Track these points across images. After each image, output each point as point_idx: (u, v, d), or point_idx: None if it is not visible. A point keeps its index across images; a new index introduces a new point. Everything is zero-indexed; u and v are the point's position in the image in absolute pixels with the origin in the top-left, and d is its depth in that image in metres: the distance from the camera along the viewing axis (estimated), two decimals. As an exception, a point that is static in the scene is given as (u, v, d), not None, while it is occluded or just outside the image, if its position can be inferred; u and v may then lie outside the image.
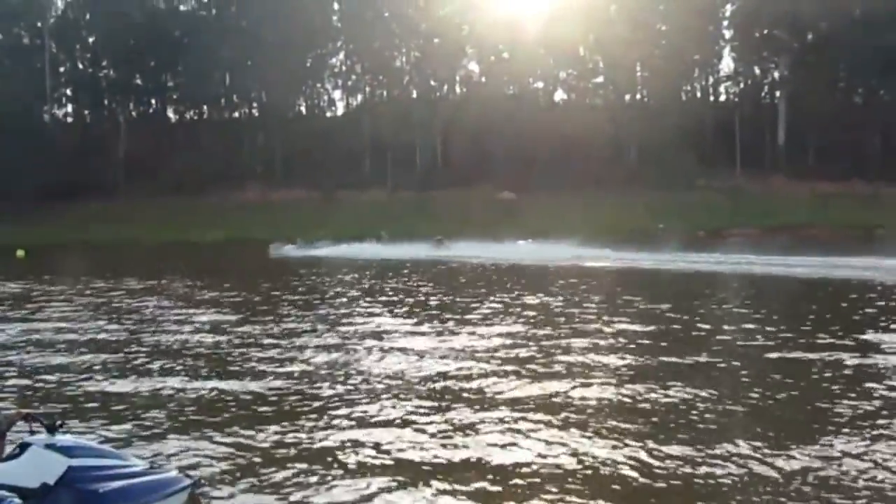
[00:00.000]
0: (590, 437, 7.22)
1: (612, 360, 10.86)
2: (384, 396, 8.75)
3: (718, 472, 6.24)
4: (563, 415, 8.02)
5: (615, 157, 67.84)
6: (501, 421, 7.79)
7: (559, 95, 78.03)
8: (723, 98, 76.55)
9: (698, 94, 76.45)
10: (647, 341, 12.35)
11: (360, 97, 79.32)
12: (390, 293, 21.94)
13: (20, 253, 44.97)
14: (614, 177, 64.38)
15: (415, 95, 75.76)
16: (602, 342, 12.38)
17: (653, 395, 8.65)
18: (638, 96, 75.35)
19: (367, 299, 20.24)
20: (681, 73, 72.05)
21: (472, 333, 13.38)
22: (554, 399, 8.64)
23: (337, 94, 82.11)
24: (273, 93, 75.96)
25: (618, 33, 65.91)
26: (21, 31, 79.63)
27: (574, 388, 9.14)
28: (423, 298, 20.43)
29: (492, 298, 19.46)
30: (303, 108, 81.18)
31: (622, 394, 8.81)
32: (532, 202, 61.80)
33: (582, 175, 63.78)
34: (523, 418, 7.81)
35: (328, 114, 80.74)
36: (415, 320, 15.65)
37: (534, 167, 64.19)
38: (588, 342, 12.34)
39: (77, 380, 10.27)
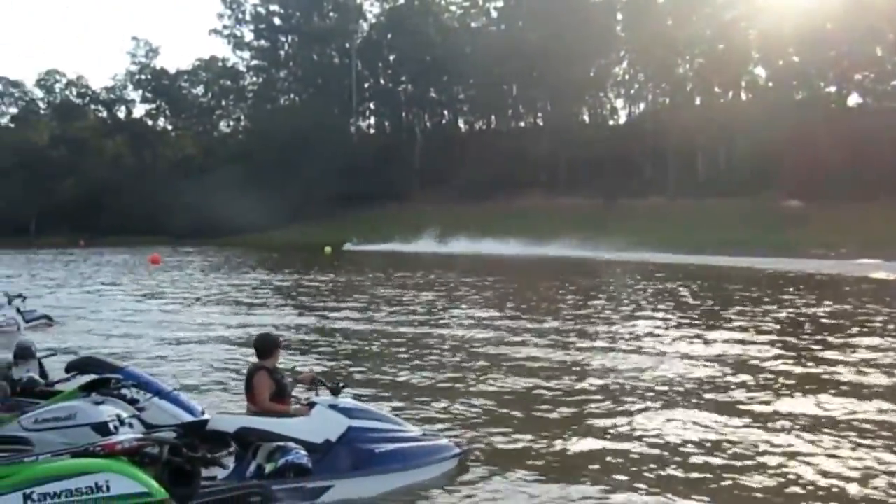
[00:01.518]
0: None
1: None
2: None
3: None
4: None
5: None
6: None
7: (853, 99, 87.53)
8: None
9: None
10: None
11: (642, 105, 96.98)
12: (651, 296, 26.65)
13: (327, 250, 61.23)
14: (914, 184, 69.86)
15: (698, 102, 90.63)
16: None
17: None
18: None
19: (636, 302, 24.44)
20: None
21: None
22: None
23: (619, 103, 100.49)
24: (558, 102, 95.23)
25: (922, 30, 72.22)
26: (332, 52, 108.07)
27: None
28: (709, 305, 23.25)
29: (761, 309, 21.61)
30: (586, 117, 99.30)
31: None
32: (820, 210, 69.27)
33: (875, 182, 70.91)
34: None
35: (610, 122, 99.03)
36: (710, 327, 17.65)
37: (822, 174, 71.94)
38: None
39: (366, 361, 14.24)
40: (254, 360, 8.41)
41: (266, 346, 8.22)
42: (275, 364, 8.16)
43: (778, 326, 18.87)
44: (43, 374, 10.46)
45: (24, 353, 10.58)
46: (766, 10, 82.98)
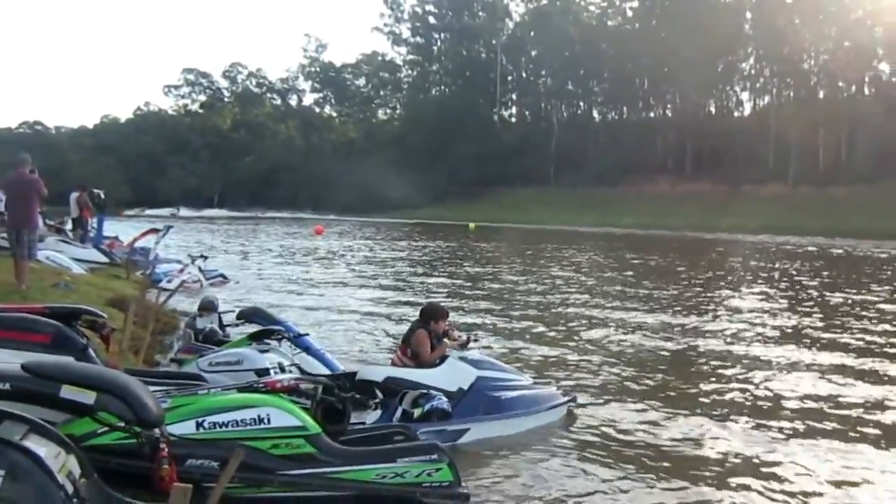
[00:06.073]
0: None
1: None
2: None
3: None
4: None
5: None
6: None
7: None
8: None
9: None
10: None
11: (766, 98, 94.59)
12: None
13: (472, 226, 62.70)
14: None
15: (821, 96, 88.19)
16: None
17: None
18: None
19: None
20: None
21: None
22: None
23: (745, 96, 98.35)
24: (686, 95, 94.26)
25: None
26: (479, 48, 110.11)
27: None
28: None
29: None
30: (712, 109, 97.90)
31: None
32: None
33: None
34: None
35: (736, 114, 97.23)
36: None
37: None
38: None
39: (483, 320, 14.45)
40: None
41: (425, 314, 8.55)
42: (435, 331, 8.37)
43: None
44: (221, 326, 10.95)
45: (207, 307, 11.04)
46: (892, 8, 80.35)
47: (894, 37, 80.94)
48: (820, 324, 14.99)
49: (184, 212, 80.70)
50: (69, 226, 22.57)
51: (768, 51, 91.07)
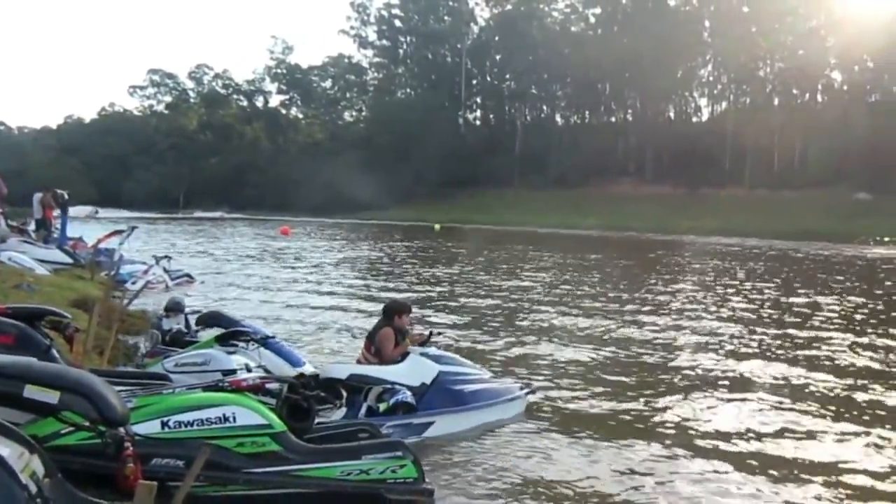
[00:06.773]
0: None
1: None
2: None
3: None
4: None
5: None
6: None
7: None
8: None
9: None
10: None
11: (724, 104, 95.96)
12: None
13: (437, 227, 62.98)
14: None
15: (776, 102, 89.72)
16: None
17: None
18: None
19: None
20: None
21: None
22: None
23: (703, 102, 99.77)
24: (646, 100, 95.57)
25: None
26: (445, 51, 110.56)
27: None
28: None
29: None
30: (671, 114, 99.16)
31: None
32: (889, 204, 67.79)
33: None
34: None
35: (694, 119, 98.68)
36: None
37: (893, 170, 70.78)
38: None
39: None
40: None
41: (389, 310, 8.58)
42: (399, 326, 8.40)
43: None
44: (188, 327, 10.75)
45: (174, 308, 10.79)
46: (845, 20, 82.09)
47: (846, 46, 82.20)
48: (776, 331, 14.83)
49: (103, 213, 78.70)
50: (32, 226, 22.16)
51: (726, 58, 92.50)
